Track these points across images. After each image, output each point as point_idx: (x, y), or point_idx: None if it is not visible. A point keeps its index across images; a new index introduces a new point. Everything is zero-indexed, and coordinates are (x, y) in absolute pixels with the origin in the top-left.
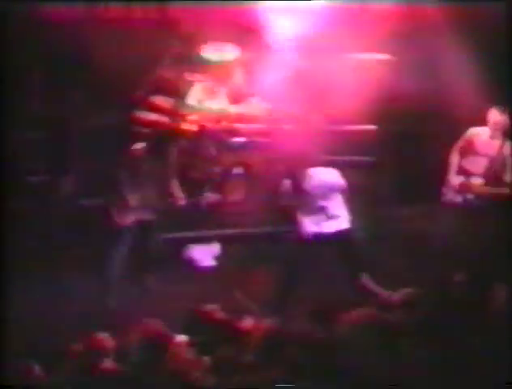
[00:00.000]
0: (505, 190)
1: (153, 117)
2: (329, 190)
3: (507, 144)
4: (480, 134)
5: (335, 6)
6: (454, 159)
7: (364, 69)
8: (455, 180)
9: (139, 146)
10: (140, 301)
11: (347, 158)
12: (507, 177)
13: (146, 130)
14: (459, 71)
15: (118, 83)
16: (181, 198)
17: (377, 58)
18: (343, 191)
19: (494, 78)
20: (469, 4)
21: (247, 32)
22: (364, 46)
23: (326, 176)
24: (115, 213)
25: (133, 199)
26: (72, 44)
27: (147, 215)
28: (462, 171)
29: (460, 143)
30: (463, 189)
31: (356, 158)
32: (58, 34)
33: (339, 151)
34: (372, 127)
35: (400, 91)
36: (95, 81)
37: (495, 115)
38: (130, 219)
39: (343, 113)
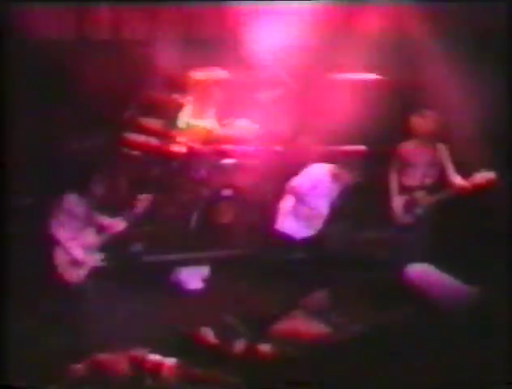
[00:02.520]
0: (451, 191)
1: (142, 138)
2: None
3: (440, 146)
4: (407, 145)
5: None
6: (393, 180)
7: (354, 88)
8: (399, 200)
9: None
10: (128, 325)
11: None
12: (452, 178)
13: (135, 152)
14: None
15: (106, 103)
16: (116, 224)
17: (368, 78)
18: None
19: (493, 80)
20: (469, 4)
21: (234, 51)
22: (354, 65)
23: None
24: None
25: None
26: (59, 63)
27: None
28: (404, 188)
29: (396, 162)
30: (409, 205)
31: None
32: (44, 53)
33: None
34: (361, 148)
35: (391, 111)
36: (82, 101)
37: (417, 122)
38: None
39: (334, 133)
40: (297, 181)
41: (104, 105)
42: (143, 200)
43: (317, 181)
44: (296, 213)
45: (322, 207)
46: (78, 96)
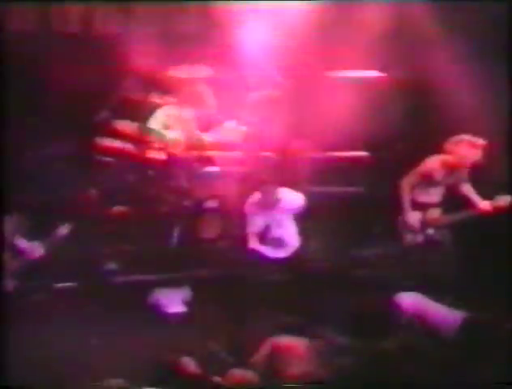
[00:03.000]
0: (469, 213)
1: (116, 143)
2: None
3: (464, 169)
4: (433, 162)
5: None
6: (406, 194)
7: (353, 88)
8: (412, 217)
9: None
10: (100, 354)
11: (333, 189)
12: (473, 200)
13: (108, 159)
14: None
15: (77, 105)
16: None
17: (367, 76)
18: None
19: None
20: (470, 4)
21: (220, 49)
22: (353, 62)
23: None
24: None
25: None
26: (25, 62)
27: None
28: (416, 205)
29: (413, 177)
30: (422, 224)
31: (344, 189)
32: (12, 53)
33: (325, 181)
34: (362, 154)
35: (394, 114)
36: (51, 104)
37: (467, 148)
38: None
39: (330, 138)
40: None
41: (73, 107)
42: (65, 227)
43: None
44: (263, 235)
45: (287, 225)
46: (43, 96)
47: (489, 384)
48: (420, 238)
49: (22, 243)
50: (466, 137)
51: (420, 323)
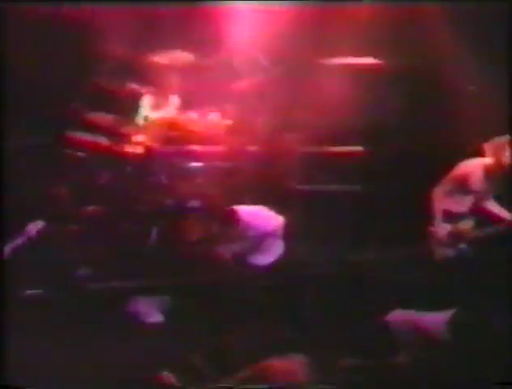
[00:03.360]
0: (499, 228)
1: (89, 137)
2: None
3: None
4: (478, 168)
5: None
6: (439, 203)
7: (347, 77)
8: (443, 229)
9: None
10: (73, 367)
11: (327, 187)
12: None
13: (80, 154)
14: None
15: (46, 95)
16: None
17: (364, 63)
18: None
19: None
20: (471, 4)
21: (204, 33)
22: (349, 48)
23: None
24: None
25: None
26: None
27: None
28: (447, 214)
29: (447, 185)
30: (454, 238)
31: (338, 187)
32: None
33: (317, 178)
34: (357, 149)
35: (391, 105)
36: (17, 93)
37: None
38: None
39: (322, 131)
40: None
41: (42, 97)
42: (35, 225)
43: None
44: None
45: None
46: (9, 84)
47: (489, 384)
48: (451, 252)
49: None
50: (505, 138)
51: (413, 333)
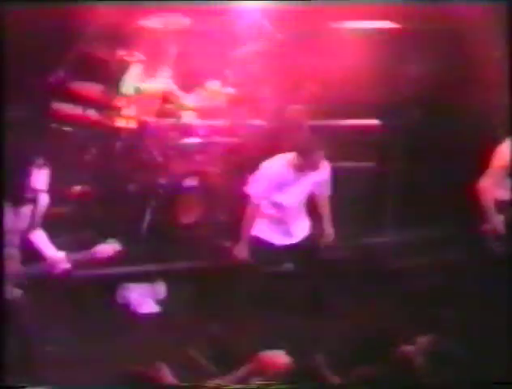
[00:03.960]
0: None
1: (76, 109)
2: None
3: None
4: None
5: None
6: (491, 197)
7: (361, 43)
8: (496, 221)
9: None
10: (59, 361)
11: (338, 164)
12: None
13: (67, 127)
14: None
15: (28, 64)
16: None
17: (378, 27)
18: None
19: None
20: (469, 4)
21: None
22: (361, 10)
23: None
24: None
25: None
26: None
27: None
28: (499, 204)
29: (495, 173)
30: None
31: (351, 164)
32: None
33: (328, 155)
34: (372, 122)
35: (408, 74)
36: None
37: None
38: None
39: (334, 103)
40: (252, 189)
41: (22, 66)
42: (111, 246)
43: (278, 181)
44: (268, 219)
45: (296, 208)
46: None
47: (489, 384)
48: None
49: (48, 249)
50: None
51: None
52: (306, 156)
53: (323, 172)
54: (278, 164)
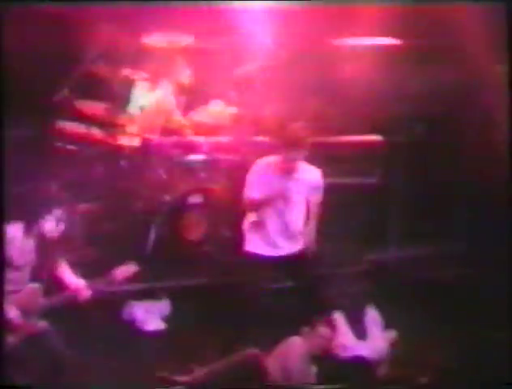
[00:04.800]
0: None
1: (80, 127)
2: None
3: None
4: None
5: None
6: None
7: (362, 59)
8: None
9: None
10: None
11: (340, 180)
12: None
13: (71, 146)
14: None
15: (32, 82)
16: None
17: (379, 44)
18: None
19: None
20: (469, 4)
21: (203, 12)
22: (362, 28)
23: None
24: None
25: None
26: None
27: None
28: None
29: None
30: None
31: (353, 180)
32: None
33: (330, 171)
34: (374, 138)
35: (410, 90)
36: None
37: None
38: None
39: (336, 120)
40: (248, 193)
41: (28, 84)
42: (129, 267)
43: (268, 183)
44: (265, 228)
45: (294, 214)
46: None
47: (489, 384)
48: None
49: (69, 276)
50: None
51: None
52: (289, 152)
53: (313, 176)
54: (263, 165)
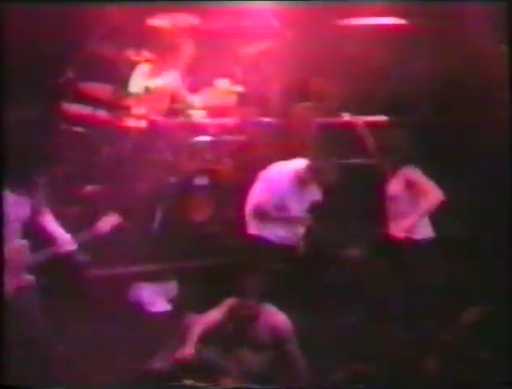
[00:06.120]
0: None
1: (86, 109)
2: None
3: None
4: None
5: None
6: None
7: (368, 39)
8: None
9: None
10: (72, 359)
11: (346, 161)
12: None
13: (77, 128)
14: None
15: (39, 65)
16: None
17: (386, 23)
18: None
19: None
20: (469, 4)
21: None
22: (369, 7)
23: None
24: None
25: None
26: None
27: None
28: None
29: None
30: None
31: (358, 161)
32: None
33: (336, 152)
34: (380, 118)
35: (417, 71)
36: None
37: None
38: None
39: (341, 100)
40: (259, 198)
41: (32, 66)
42: (110, 220)
43: (283, 194)
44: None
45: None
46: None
47: (489, 384)
48: None
49: (56, 230)
50: None
51: None
52: (317, 174)
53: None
54: (285, 176)
